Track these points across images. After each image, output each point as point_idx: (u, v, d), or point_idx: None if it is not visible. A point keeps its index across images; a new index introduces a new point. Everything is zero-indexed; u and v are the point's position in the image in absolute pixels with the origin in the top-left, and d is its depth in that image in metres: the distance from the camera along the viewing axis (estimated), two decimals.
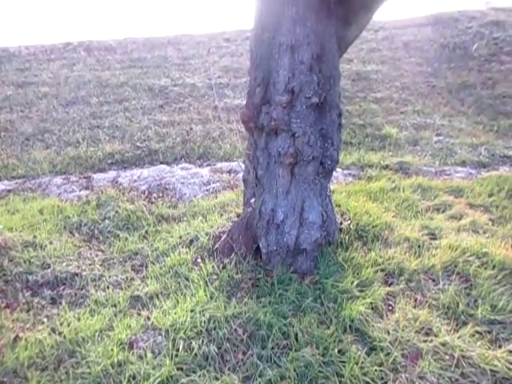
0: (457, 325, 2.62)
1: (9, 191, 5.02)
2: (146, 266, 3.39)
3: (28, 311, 2.90)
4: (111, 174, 5.37)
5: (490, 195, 4.42)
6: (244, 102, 2.84)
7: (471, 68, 8.80)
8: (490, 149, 5.78)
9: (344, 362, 2.35)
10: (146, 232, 3.96)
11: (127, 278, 3.25)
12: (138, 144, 6.16)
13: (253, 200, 2.92)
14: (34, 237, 3.80)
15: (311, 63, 2.27)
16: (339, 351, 2.43)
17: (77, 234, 3.97)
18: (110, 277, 3.26)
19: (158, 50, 10.58)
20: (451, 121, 6.76)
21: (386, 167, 5.17)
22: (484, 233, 3.66)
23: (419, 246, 3.38)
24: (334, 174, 3.48)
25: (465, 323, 2.63)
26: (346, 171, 5.14)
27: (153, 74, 9.06)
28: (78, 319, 2.79)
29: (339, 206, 3.83)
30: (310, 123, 2.38)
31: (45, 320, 2.81)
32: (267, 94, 2.40)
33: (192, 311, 2.74)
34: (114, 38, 11.94)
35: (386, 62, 9.08)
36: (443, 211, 4.12)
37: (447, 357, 2.37)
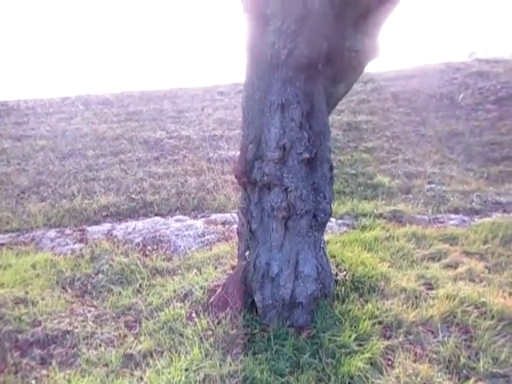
0: (459, 379, 2.56)
1: (2, 245, 4.98)
2: (140, 322, 3.31)
3: (16, 373, 2.81)
4: (106, 226, 5.36)
5: (485, 242, 4.43)
6: (237, 154, 2.90)
7: (459, 116, 9.07)
8: (482, 195, 5.86)
9: None
10: (140, 286, 3.90)
11: (120, 334, 3.17)
12: (133, 196, 6.19)
13: (247, 253, 2.91)
14: (26, 293, 3.74)
15: (301, 121, 2.36)
16: None
17: (69, 289, 3.91)
18: (102, 334, 3.19)
19: (154, 104, 10.86)
20: (442, 168, 6.88)
21: (380, 216, 5.20)
22: (481, 281, 3.65)
23: (416, 297, 3.35)
24: (328, 223, 3.50)
25: (467, 377, 2.57)
26: (339, 221, 5.16)
27: (148, 127, 9.25)
28: (69, 381, 2.69)
29: (334, 256, 3.82)
30: (301, 178, 2.43)
31: (33, 382, 2.71)
32: (259, 150, 2.47)
33: (186, 370, 2.66)
34: (112, 92, 12.28)
35: (376, 113, 9.35)
36: (439, 260, 4.11)
37: None
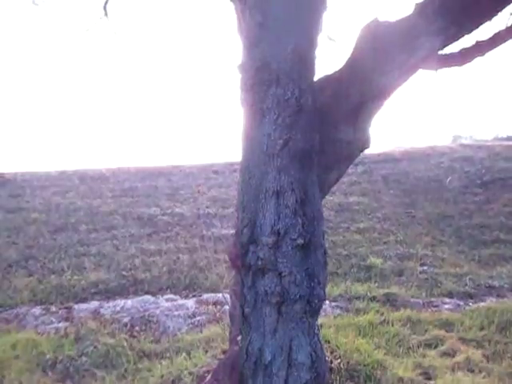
0: None
1: None
2: None
3: None
4: (93, 304, 5.21)
5: (481, 329, 4.35)
6: (231, 232, 2.92)
7: (447, 199, 9.30)
8: (475, 279, 5.85)
9: None
10: (126, 370, 3.73)
11: None
12: (123, 273, 6.10)
13: (239, 338, 2.83)
14: (3, 377, 3.55)
15: (295, 207, 2.43)
16: None
17: (50, 373, 3.72)
18: None
19: (149, 180, 11.06)
20: (434, 250, 6.92)
21: (374, 299, 5.14)
22: (480, 371, 3.54)
23: None
24: (322, 306, 3.45)
25: None
26: (333, 303, 5.08)
27: (143, 203, 9.35)
28: None
29: (328, 341, 3.71)
30: (296, 263, 2.45)
31: None
32: (254, 235, 2.50)
33: None
34: (108, 167, 12.54)
35: (367, 194, 9.57)
36: (435, 347, 4.01)
37: None
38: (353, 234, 7.50)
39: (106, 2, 7.33)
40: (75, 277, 6.00)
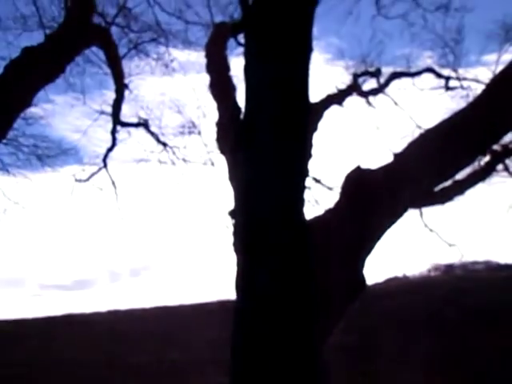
0: None
1: None
2: None
3: None
4: None
5: None
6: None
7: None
8: None
9: None
10: None
11: None
12: None
13: None
14: None
15: None
16: None
17: None
18: None
19: (141, 322, 10.61)
20: None
21: None
22: None
23: None
24: None
25: None
26: None
27: (134, 350, 8.82)
28: None
29: None
30: None
31: None
32: None
33: None
34: (98, 311, 12.09)
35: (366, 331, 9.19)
36: None
37: None
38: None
39: (106, 156, 7.92)
40: None
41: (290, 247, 2.50)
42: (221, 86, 3.53)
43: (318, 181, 7.01)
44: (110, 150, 7.76)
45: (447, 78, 7.06)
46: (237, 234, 2.67)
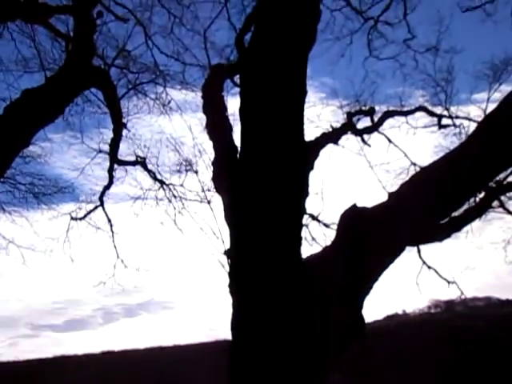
0: None
1: None
2: None
3: None
4: None
5: None
6: None
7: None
8: None
9: None
10: None
11: None
12: None
13: None
14: None
15: None
16: None
17: None
18: None
19: (132, 366, 10.31)
20: None
21: None
22: None
23: None
24: None
25: None
26: None
27: None
28: None
29: None
30: None
31: None
32: None
33: None
34: (91, 352, 11.79)
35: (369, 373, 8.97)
36: None
37: None
38: None
39: (103, 194, 7.90)
40: None
41: (286, 286, 2.48)
42: (217, 126, 3.58)
43: (314, 218, 6.99)
44: (106, 187, 7.76)
45: (440, 116, 7.18)
46: (232, 274, 2.64)
